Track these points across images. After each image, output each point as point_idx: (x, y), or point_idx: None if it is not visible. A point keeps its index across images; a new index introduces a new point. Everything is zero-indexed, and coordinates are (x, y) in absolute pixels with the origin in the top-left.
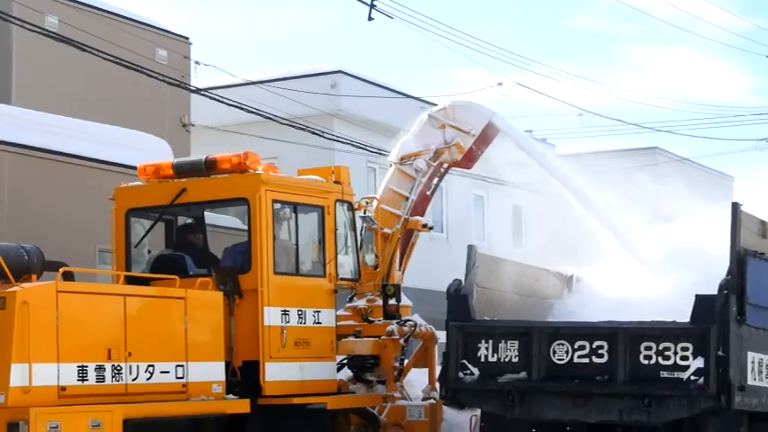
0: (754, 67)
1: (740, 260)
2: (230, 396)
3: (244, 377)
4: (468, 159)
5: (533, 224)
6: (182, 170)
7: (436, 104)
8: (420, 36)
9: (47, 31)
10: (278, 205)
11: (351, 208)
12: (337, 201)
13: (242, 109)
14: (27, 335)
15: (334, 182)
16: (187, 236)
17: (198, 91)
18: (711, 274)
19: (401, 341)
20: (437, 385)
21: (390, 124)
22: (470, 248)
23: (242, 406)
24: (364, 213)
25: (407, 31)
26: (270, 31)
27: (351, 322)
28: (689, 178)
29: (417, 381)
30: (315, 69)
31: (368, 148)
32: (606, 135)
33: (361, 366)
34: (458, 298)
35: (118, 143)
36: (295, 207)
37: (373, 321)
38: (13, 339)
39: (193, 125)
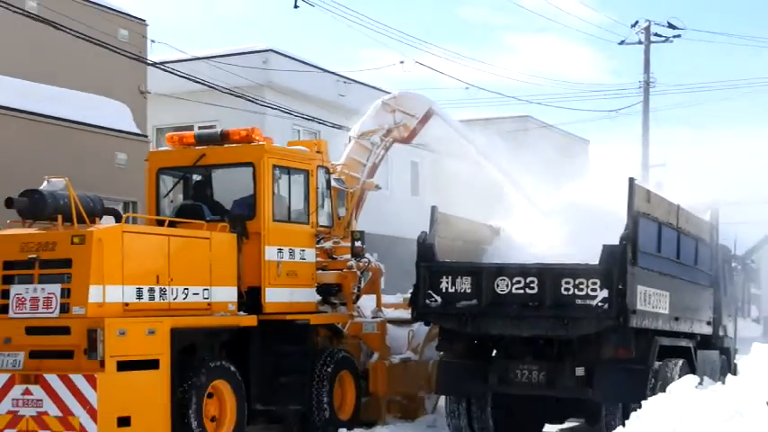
0: (608, 52)
1: (634, 220)
2: (241, 313)
3: (248, 299)
4: (410, 136)
5: (428, 178)
6: (201, 139)
7: (349, 78)
8: (338, 21)
9: (28, 12)
10: (276, 169)
11: (327, 172)
12: (318, 166)
13: (189, 80)
14: (101, 263)
15: (317, 151)
16: (202, 190)
17: (153, 64)
18: (595, 224)
19: (358, 273)
20: (383, 307)
21: (312, 94)
22: (433, 209)
23: (251, 320)
24: (338, 177)
25: (328, 17)
26: (214, 15)
27: (319, 259)
28: (555, 141)
29: (366, 305)
30: (250, 48)
31: (294, 114)
32: (488, 106)
33: (327, 292)
34: (425, 245)
35: (87, 107)
36: (288, 170)
37: (336, 258)
38: (91, 267)
39: (149, 93)
